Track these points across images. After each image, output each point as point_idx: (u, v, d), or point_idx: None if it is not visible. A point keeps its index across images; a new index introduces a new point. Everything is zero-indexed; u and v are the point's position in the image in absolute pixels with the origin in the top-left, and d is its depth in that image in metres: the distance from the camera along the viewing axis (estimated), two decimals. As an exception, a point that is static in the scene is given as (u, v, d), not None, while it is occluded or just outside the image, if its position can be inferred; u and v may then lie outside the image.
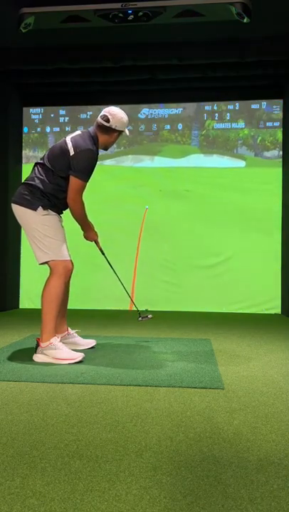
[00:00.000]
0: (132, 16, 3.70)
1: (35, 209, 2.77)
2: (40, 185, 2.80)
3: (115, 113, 2.87)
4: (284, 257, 5.20)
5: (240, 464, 1.42)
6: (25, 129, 5.78)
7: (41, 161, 2.90)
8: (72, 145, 2.79)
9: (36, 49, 4.78)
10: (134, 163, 5.65)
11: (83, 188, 2.83)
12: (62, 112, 5.75)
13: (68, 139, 2.86)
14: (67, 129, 5.72)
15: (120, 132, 2.92)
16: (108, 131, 2.88)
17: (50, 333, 2.76)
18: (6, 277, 5.36)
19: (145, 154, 5.65)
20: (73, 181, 2.78)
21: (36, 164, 2.92)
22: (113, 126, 2.86)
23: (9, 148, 5.37)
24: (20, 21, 3.83)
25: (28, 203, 2.79)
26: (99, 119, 2.89)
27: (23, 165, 5.70)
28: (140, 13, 3.68)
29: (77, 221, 2.99)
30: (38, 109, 5.78)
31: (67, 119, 5.74)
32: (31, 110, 5.78)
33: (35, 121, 5.76)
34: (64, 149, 2.81)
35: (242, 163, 5.49)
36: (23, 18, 3.80)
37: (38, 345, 2.78)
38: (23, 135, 5.78)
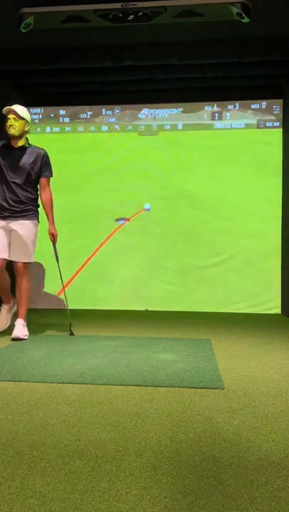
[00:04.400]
0: (131, 16, 3.70)
1: None
2: None
3: None
4: (284, 257, 5.20)
5: (240, 463, 1.43)
6: (25, 129, 5.77)
7: None
8: None
9: (36, 49, 4.77)
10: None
11: None
12: (62, 112, 5.74)
13: None
14: (67, 129, 5.71)
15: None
16: None
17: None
18: (6, 277, 5.34)
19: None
20: None
21: None
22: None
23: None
24: (21, 21, 3.83)
25: None
26: None
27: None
28: (140, 13, 3.68)
29: None
30: (38, 109, 5.77)
31: (67, 119, 5.74)
32: (31, 110, 5.77)
33: (36, 121, 5.76)
34: None
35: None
36: (23, 18, 3.80)
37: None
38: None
